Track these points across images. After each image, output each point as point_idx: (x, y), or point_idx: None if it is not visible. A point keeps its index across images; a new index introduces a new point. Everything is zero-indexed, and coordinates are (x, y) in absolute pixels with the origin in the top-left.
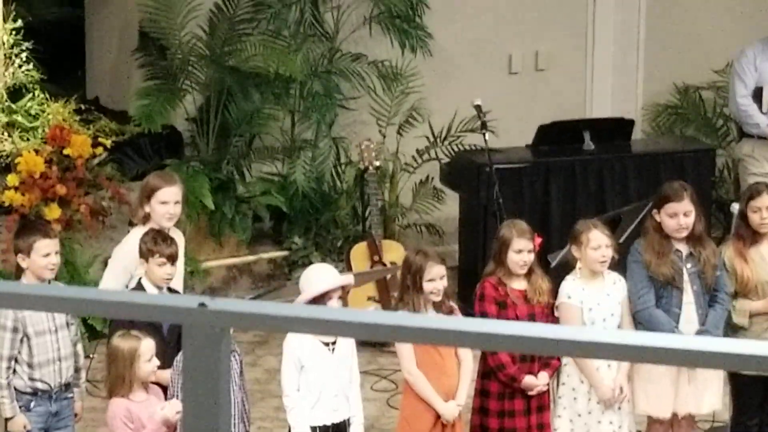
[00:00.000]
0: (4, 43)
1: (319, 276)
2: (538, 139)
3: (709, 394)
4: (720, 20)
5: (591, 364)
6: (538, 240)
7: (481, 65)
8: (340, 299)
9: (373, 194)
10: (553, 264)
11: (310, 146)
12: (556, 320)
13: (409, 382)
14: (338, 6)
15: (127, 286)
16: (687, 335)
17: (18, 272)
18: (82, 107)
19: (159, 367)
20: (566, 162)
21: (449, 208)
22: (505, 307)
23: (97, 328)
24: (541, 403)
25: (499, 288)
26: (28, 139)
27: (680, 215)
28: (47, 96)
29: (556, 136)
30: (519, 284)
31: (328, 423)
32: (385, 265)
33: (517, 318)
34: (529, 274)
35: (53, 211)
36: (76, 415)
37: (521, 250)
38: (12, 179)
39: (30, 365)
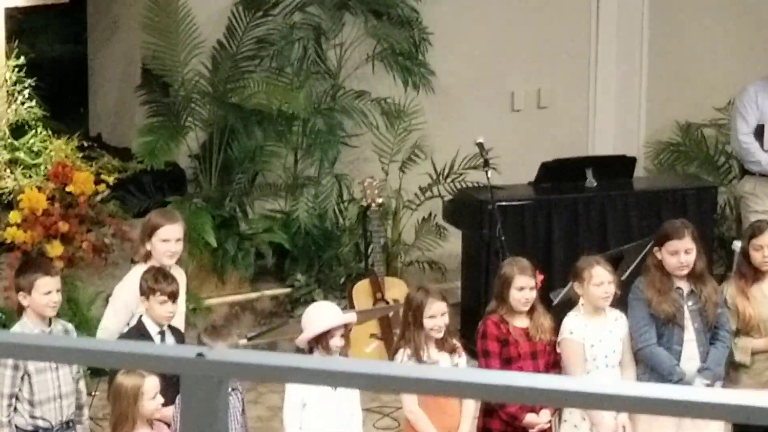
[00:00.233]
0: (7, 80)
1: (322, 314)
2: (541, 177)
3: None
4: (722, 58)
5: None
6: (540, 277)
7: (484, 102)
8: (342, 337)
9: (375, 231)
10: (555, 302)
11: (313, 183)
12: (558, 358)
13: (410, 420)
14: (341, 43)
15: (128, 324)
16: (687, 388)
17: (19, 310)
18: (85, 144)
19: (163, 405)
20: (568, 199)
21: (452, 245)
22: (507, 344)
23: None
24: None
25: (501, 326)
26: (30, 176)
27: (681, 253)
28: (50, 133)
29: (558, 174)
30: (521, 322)
31: None
32: (387, 302)
33: (519, 356)
34: (531, 312)
35: (55, 248)
36: None
37: (523, 287)
38: (14, 216)
39: (31, 403)
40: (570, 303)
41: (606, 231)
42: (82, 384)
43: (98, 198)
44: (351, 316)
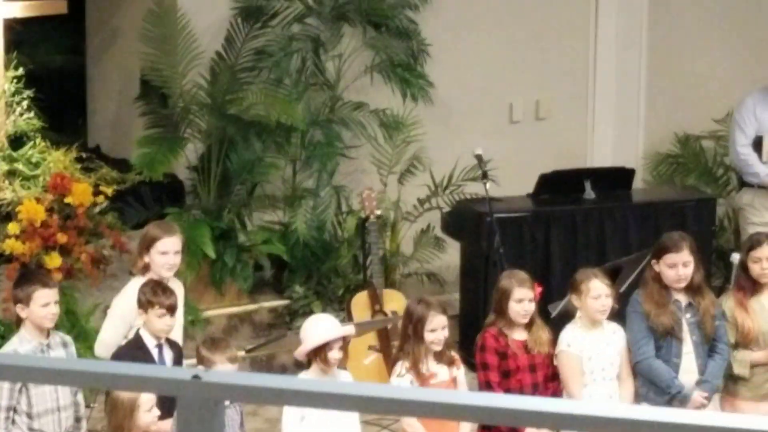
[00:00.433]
0: (5, 91)
1: (320, 327)
2: (539, 188)
3: None
4: (720, 70)
5: None
6: (539, 289)
7: (482, 114)
8: (340, 349)
9: (374, 243)
10: (554, 314)
11: (312, 195)
12: (556, 370)
13: None
14: (340, 55)
15: (126, 337)
16: (686, 412)
17: (18, 322)
18: (84, 155)
19: (159, 418)
20: (567, 211)
21: (450, 257)
22: (505, 357)
23: None
24: None
25: (499, 338)
26: (29, 188)
27: (679, 266)
28: (48, 144)
29: (556, 185)
30: (520, 335)
31: None
32: (386, 314)
33: (518, 369)
34: (530, 325)
35: (54, 260)
36: None
37: (522, 299)
38: (13, 228)
39: (29, 415)
40: (568, 315)
41: (605, 243)
42: (80, 396)
43: (97, 209)
44: (349, 329)
